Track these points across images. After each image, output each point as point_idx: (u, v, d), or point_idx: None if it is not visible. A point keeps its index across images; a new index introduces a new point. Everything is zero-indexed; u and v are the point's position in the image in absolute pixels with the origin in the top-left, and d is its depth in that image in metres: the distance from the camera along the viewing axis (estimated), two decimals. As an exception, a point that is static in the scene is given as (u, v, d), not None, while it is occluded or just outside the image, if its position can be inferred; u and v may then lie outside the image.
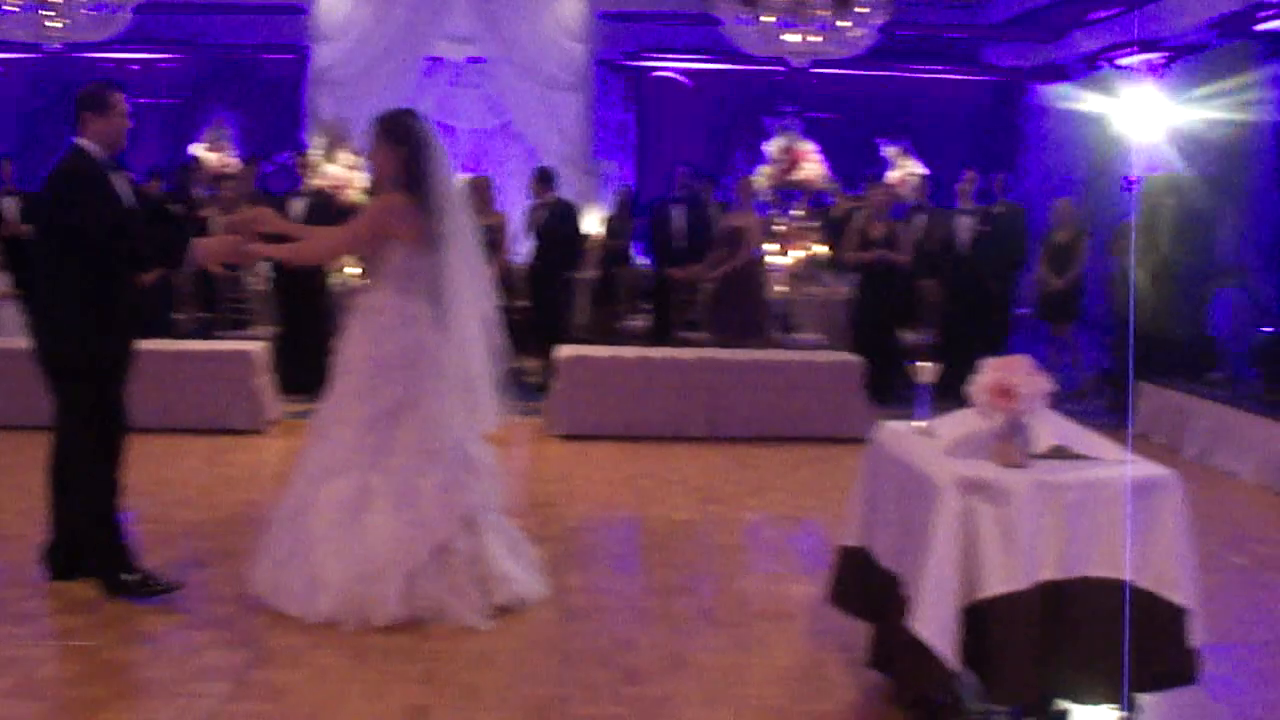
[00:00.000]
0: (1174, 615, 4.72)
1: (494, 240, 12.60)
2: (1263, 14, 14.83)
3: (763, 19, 14.30)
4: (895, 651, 4.79)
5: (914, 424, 5.34)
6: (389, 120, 6.32)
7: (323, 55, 17.01)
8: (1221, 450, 10.32)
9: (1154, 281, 11.94)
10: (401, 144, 6.18)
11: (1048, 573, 4.59)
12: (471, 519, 6.25)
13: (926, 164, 16.31)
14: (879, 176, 15.41)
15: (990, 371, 4.70)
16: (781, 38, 14.45)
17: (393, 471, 6.10)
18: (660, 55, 19.95)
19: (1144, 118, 14.90)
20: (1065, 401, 12.24)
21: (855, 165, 16.42)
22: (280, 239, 6.70)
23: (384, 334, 6.14)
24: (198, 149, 16.39)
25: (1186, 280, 12.36)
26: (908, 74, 21.19)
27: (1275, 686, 5.80)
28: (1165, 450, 10.87)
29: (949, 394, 5.40)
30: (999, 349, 13.40)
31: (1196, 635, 4.77)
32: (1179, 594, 4.72)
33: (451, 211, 6.22)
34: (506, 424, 6.84)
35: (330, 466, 6.14)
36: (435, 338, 6.18)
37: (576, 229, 14.03)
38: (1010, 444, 4.70)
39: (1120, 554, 4.63)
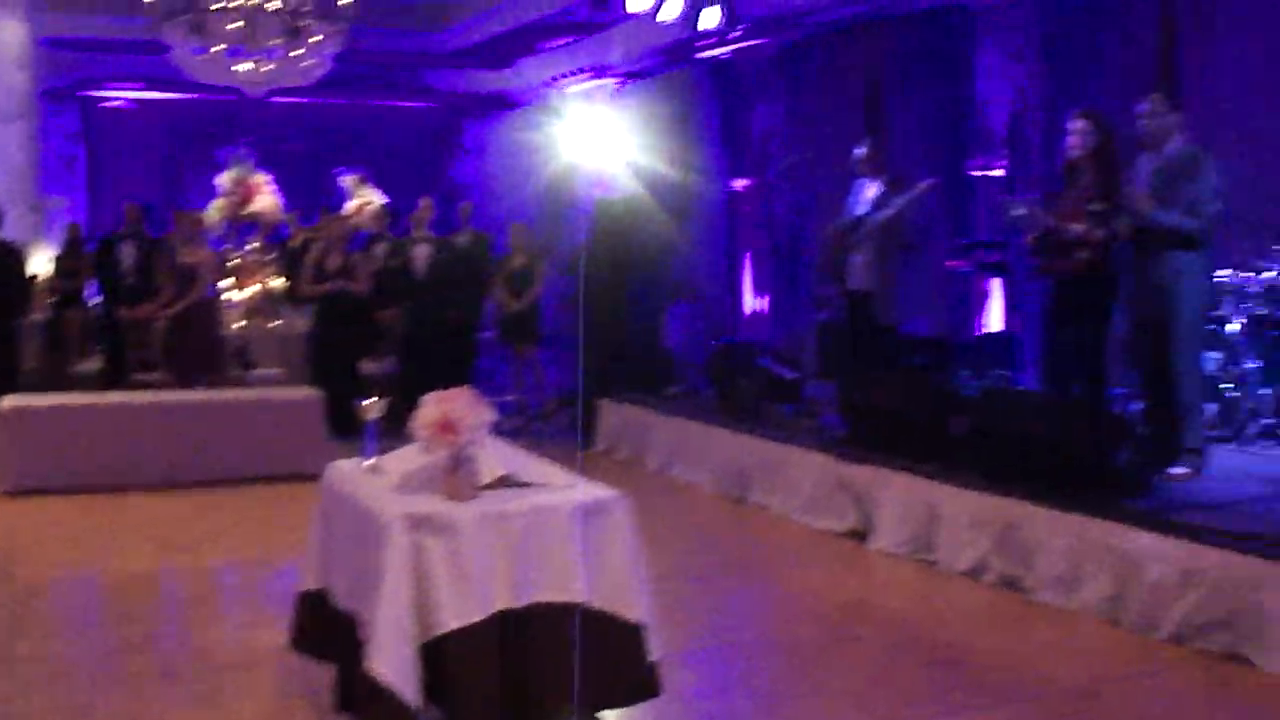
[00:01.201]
0: (630, 633, 4.79)
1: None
2: (701, 43, 15.51)
3: (213, 48, 13.88)
4: (359, 694, 4.65)
5: (363, 461, 5.24)
6: None
7: None
8: (681, 461, 10.68)
9: (612, 300, 12.24)
10: None
11: (502, 602, 4.56)
12: None
13: (386, 192, 16.24)
14: (337, 206, 15.26)
15: (431, 405, 4.64)
16: (233, 68, 14.06)
17: None
18: (110, 84, 19.21)
19: (597, 142, 15.29)
20: (532, 422, 12.50)
21: (313, 195, 16.21)
22: None
23: None
24: None
25: (642, 298, 12.74)
26: (366, 102, 21.15)
27: (739, 690, 5.97)
28: (629, 464, 11.18)
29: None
30: (463, 375, 13.54)
31: (656, 649, 4.85)
32: (634, 611, 4.79)
33: None
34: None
35: None
36: None
37: (21, 272, 13.26)
38: (457, 477, 4.65)
39: (572, 578, 4.65)
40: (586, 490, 4.87)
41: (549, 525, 4.66)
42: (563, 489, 4.88)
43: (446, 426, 4.58)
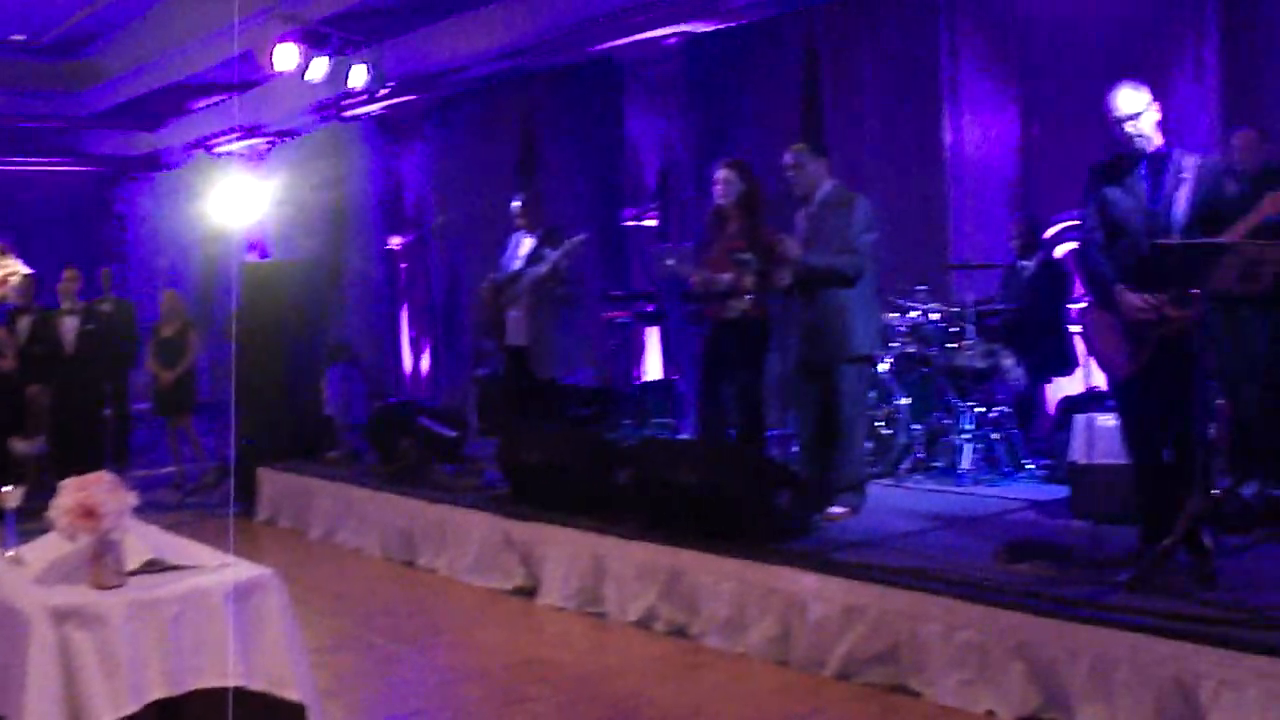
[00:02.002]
0: (293, 712, 4.70)
1: None
2: (351, 100, 15.42)
3: None
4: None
5: (2, 552, 4.99)
6: None
7: None
8: (345, 527, 10.48)
9: (267, 366, 11.97)
10: None
11: (157, 691, 4.41)
12: None
13: (30, 262, 15.59)
14: (-22, 279, 14.58)
15: (70, 492, 4.44)
16: None
17: None
18: None
19: (249, 203, 15.05)
20: (190, 495, 12.13)
21: (-51, 268, 15.46)
22: None
23: None
24: None
25: (299, 361, 12.48)
26: (6, 166, 20.35)
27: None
28: (292, 533, 10.96)
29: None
30: (118, 450, 13.09)
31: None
32: (294, 690, 4.70)
33: None
34: None
35: None
36: None
37: None
38: (101, 564, 4.47)
39: (228, 661, 4.53)
40: (239, 570, 4.75)
41: (201, 609, 4.53)
42: (214, 570, 4.74)
43: (86, 512, 4.40)
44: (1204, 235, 6.23)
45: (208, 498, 12.04)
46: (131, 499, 4.52)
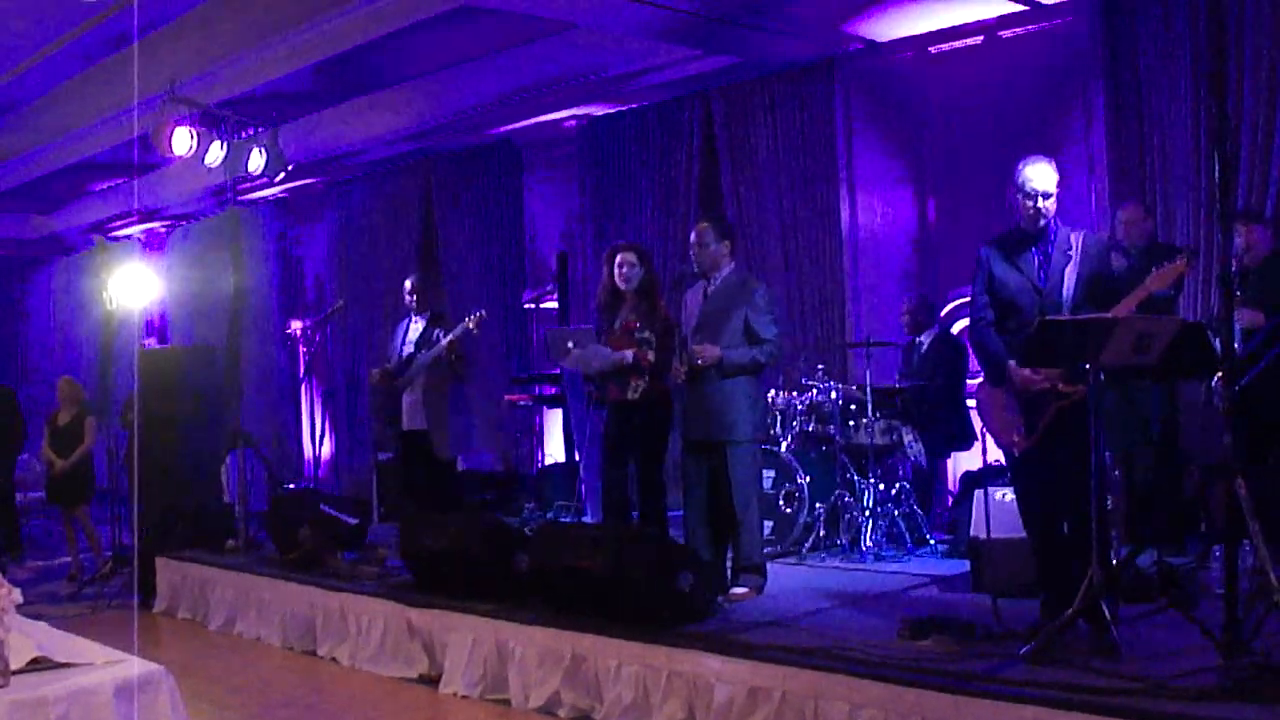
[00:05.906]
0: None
1: None
2: (246, 185, 15.37)
3: None
4: None
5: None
6: None
7: None
8: (245, 617, 10.29)
9: (165, 453, 11.79)
10: None
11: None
12: None
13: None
14: None
15: (-47, 589, 4.34)
16: None
17: None
18: None
19: (147, 288, 14.90)
20: (86, 586, 11.90)
21: None
22: None
23: None
24: None
25: (198, 448, 12.30)
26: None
27: None
28: (190, 624, 10.75)
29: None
30: (10, 540, 12.85)
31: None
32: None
33: None
34: None
35: None
36: None
37: None
38: (-18, 664, 4.36)
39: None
40: (128, 666, 4.63)
41: (89, 708, 4.39)
42: (102, 667, 4.63)
43: (-30, 610, 4.30)
44: (1092, 310, 6.31)
45: (104, 588, 11.81)
46: (16, 595, 4.41)
